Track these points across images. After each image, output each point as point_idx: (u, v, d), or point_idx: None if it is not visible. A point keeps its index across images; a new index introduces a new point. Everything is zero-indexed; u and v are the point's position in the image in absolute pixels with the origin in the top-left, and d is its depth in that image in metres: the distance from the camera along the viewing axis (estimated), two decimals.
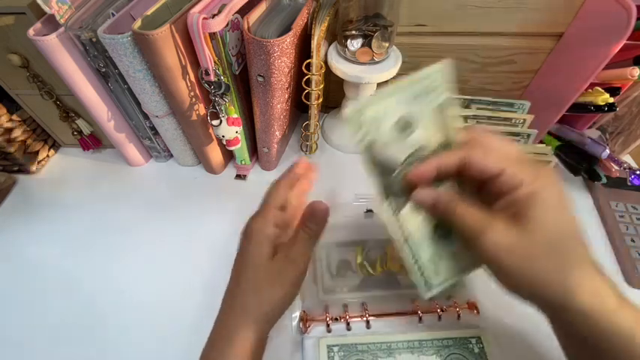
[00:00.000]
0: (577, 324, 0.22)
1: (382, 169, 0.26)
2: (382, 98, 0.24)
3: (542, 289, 0.22)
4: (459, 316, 0.35)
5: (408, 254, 0.27)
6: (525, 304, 0.25)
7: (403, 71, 0.50)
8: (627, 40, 0.36)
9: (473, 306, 0.36)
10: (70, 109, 0.47)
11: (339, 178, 0.49)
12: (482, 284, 0.38)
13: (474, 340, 0.34)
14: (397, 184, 0.26)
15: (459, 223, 0.24)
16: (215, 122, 0.39)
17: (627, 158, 0.50)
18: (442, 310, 0.35)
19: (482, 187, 0.24)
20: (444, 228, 0.26)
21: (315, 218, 0.29)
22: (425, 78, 0.24)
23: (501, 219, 0.23)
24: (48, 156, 0.53)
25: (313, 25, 0.38)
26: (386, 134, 0.25)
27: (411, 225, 0.26)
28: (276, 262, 0.27)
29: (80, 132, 0.49)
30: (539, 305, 0.24)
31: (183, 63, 0.35)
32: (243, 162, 0.48)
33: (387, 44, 0.41)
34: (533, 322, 0.36)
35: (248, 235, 0.29)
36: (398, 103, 0.24)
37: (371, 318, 0.35)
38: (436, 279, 0.27)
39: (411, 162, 0.25)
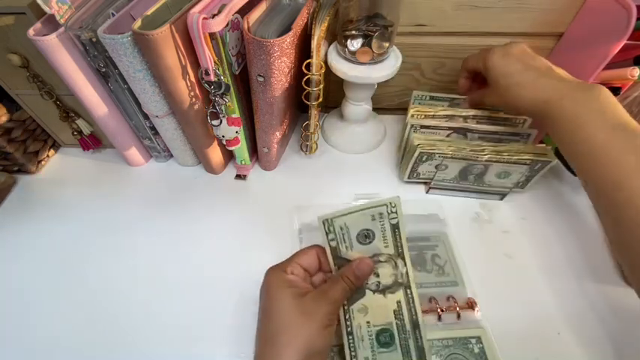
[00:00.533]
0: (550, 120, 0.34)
1: (342, 265, 0.31)
2: (346, 213, 0.30)
3: (518, 108, 0.37)
4: (458, 315, 0.35)
5: (346, 348, 0.30)
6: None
7: (404, 71, 0.50)
8: (627, 40, 0.36)
9: (473, 306, 0.36)
10: (70, 109, 0.47)
11: (339, 178, 0.49)
12: (482, 284, 0.38)
13: (474, 340, 0.34)
14: None
15: (487, 103, 0.43)
16: (215, 122, 0.39)
17: None
18: (442, 311, 0.35)
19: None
20: (387, 336, 0.30)
21: (360, 272, 0.29)
22: (381, 205, 0.30)
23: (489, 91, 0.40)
24: (48, 156, 0.53)
25: (313, 25, 0.38)
26: (350, 241, 0.31)
27: (356, 321, 0.31)
28: (308, 298, 0.28)
29: (80, 132, 0.49)
30: (535, 116, 0.37)
31: (183, 63, 0.35)
32: (243, 162, 0.48)
33: (387, 44, 0.41)
34: (533, 322, 0.36)
35: (267, 284, 0.29)
36: (359, 219, 0.30)
37: None
38: None
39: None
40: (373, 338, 0.30)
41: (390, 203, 0.30)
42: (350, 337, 0.30)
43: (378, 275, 0.31)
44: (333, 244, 0.31)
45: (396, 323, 0.31)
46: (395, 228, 0.30)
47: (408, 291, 0.31)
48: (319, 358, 0.27)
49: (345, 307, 0.31)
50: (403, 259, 0.31)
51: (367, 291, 0.31)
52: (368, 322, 0.31)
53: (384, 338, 0.30)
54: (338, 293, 0.28)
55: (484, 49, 0.40)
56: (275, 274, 0.29)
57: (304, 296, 0.28)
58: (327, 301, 0.27)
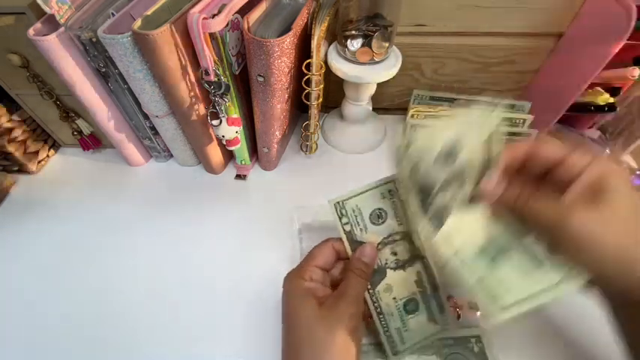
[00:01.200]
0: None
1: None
2: (357, 194, 0.30)
3: (629, 264, 0.22)
4: (458, 315, 0.35)
5: (378, 325, 0.31)
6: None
7: (404, 71, 0.50)
8: (627, 40, 0.36)
9: (472, 305, 0.36)
10: (70, 109, 0.47)
11: (339, 178, 0.49)
12: None
13: (473, 340, 0.34)
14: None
15: (532, 216, 0.24)
16: (215, 122, 0.39)
17: (627, 158, 0.50)
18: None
19: (541, 182, 0.25)
20: (413, 304, 0.31)
21: (367, 259, 0.29)
22: (389, 181, 0.29)
23: (578, 203, 0.23)
24: (48, 156, 0.53)
25: (313, 25, 0.38)
26: (363, 223, 0.31)
27: (384, 301, 0.31)
28: (328, 305, 0.27)
29: (80, 132, 0.49)
30: (618, 286, 0.24)
31: (183, 63, 0.35)
32: (243, 162, 0.48)
33: (387, 44, 0.41)
34: (533, 321, 0.36)
35: (287, 294, 0.28)
36: (370, 199, 0.30)
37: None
38: (401, 346, 0.31)
39: (385, 243, 0.31)
40: (401, 309, 0.31)
41: (396, 181, 0.29)
42: (381, 316, 0.31)
43: (395, 254, 0.31)
44: (347, 227, 0.30)
45: (419, 291, 0.31)
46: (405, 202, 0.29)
47: (425, 260, 0.31)
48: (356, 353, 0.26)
49: (370, 291, 0.31)
50: (417, 232, 0.29)
51: (387, 270, 0.31)
52: (394, 298, 0.31)
53: (410, 307, 0.31)
54: (355, 289, 0.28)
55: (575, 147, 0.24)
56: (293, 282, 0.28)
57: (325, 304, 0.27)
58: (348, 302, 0.27)
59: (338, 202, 0.30)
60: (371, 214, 0.31)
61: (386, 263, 0.31)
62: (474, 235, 0.26)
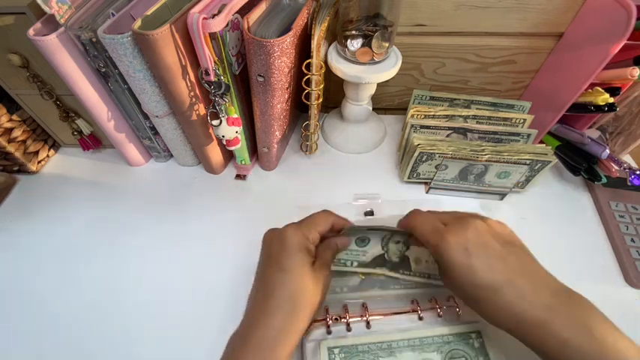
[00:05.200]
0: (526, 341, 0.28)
1: (379, 261, 0.37)
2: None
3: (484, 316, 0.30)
4: (458, 312, 0.35)
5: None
6: None
7: (404, 71, 0.50)
8: (627, 40, 0.36)
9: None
10: (70, 109, 0.47)
11: (338, 178, 0.49)
12: None
13: (474, 335, 0.34)
14: (395, 260, 0.37)
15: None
16: (215, 122, 0.39)
17: (627, 158, 0.50)
18: (441, 308, 0.35)
19: None
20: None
21: (342, 248, 0.35)
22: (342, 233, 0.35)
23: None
24: (48, 156, 0.53)
25: (313, 25, 0.38)
26: (357, 251, 0.36)
27: (423, 268, 0.37)
28: (317, 267, 0.31)
29: (80, 132, 0.49)
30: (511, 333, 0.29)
31: (183, 63, 0.35)
32: (243, 162, 0.48)
33: (387, 44, 0.41)
34: None
35: (288, 244, 0.31)
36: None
37: (371, 318, 0.35)
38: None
39: (386, 243, 0.37)
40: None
41: (350, 229, 0.35)
42: (432, 277, 0.36)
43: (398, 241, 0.36)
44: (355, 265, 0.36)
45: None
46: (369, 230, 0.35)
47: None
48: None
49: (410, 274, 0.37)
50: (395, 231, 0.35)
51: (406, 253, 0.36)
52: (427, 261, 0.36)
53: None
54: (330, 257, 0.33)
55: (428, 224, 0.31)
56: (298, 237, 0.31)
57: (314, 264, 0.31)
58: (327, 268, 0.32)
59: (336, 263, 0.36)
60: (356, 242, 0.36)
61: (399, 251, 0.37)
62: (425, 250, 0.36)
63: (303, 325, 0.29)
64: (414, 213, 0.34)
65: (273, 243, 0.32)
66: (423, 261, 0.36)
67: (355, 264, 0.36)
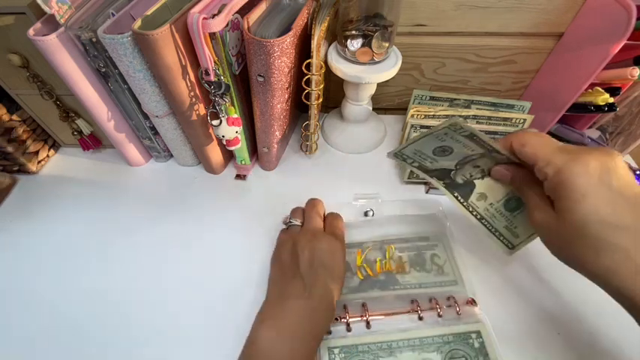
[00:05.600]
0: (622, 303, 0.24)
1: (440, 174, 0.35)
2: (412, 142, 0.33)
3: (579, 268, 0.26)
4: (458, 312, 0.35)
5: (486, 230, 0.35)
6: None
7: (404, 71, 0.50)
8: (627, 40, 0.36)
9: (472, 302, 0.36)
10: (70, 109, 0.47)
11: (338, 178, 0.49)
12: (481, 280, 0.38)
13: (474, 335, 0.34)
14: (459, 181, 0.35)
15: (523, 198, 0.31)
16: (215, 122, 0.39)
17: (627, 158, 0.50)
18: (441, 309, 0.35)
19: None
20: (513, 201, 0.33)
21: (338, 230, 0.39)
22: (443, 127, 0.30)
23: (546, 202, 0.27)
24: (48, 156, 0.53)
25: (313, 25, 0.38)
26: (431, 158, 0.34)
27: (481, 207, 0.35)
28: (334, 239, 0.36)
29: (80, 132, 0.49)
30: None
31: (183, 63, 0.35)
32: (243, 162, 0.48)
33: (387, 44, 0.41)
34: (532, 315, 0.36)
35: (334, 249, 0.35)
36: (427, 142, 0.32)
37: (371, 318, 0.35)
38: (516, 240, 0.34)
39: (463, 163, 0.34)
40: (502, 210, 0.34)
41: (451, 126, 0.29)
42: (484, 221, 0.35)
43: (478, 166, 0.33)
44: (416, 165, 0.35)
45: (512, 190, 0.33)
46: (472, 136, 0.29)
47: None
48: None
49: (465, 203, 0.35)
50: (496, 151, 0.30)
51: (475, 181, 0.34)
52: (491, 204, 0.34)
53: (510, 205, 0.34)
54: (342, 227, 0.40)
55: (551, 143, 0.26)
56: (338, 244, 0.36)
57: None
58: (342, 239, 0.38)
59: (396, 153, 0.33)
60: (434, 151, 0.33)
61: (471, 175, 0.34)
62: (498, 192, 0.34)
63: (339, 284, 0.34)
64: (527, 133, 0.28)
65: (332, 254, 0.35)
66: (486, 200, 0.34)
67: (416, 164, 0.35)
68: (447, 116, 0.45)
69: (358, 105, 0.48)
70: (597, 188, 0.23)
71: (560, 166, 0.24)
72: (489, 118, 0.45)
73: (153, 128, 0.46)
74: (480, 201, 0.35)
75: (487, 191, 0.34)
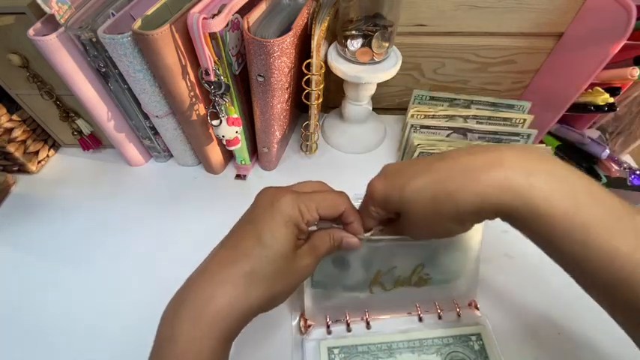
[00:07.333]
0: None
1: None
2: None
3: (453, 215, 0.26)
4: (459, 314, 0.35)
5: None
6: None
7: (404, 71, 0.50)
8: (627, 40, 0.36)
9: (473, 304, 0.36)
10: (70, 109, 0.47)
11: (338, 178, 0.49)
12: (482, 284, 0.38)
13: (474, 337, 0.34)
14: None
15: (397, 233, 0.31)
16: (215, 122, 0.39)
17: (627, 158, 0.50)
18: (441, 310, 0.35)
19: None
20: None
21: (346, 247, 0.29)
22: None
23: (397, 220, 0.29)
24: (48, 156, 0.53)
25: (313, 25, 0.38)
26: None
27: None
28: (299, 254, 0.26)
29: (80, 132, 0.49)
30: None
31: (183, 63, 0.35)
32: (243, 162, 0.48)
33: (387, 44, 0.41)
34: (533, 322, 0.36)
35: (277, 215, 0.25)
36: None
37: (371, 318, 0.35)
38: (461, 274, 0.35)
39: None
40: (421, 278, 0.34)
41: None
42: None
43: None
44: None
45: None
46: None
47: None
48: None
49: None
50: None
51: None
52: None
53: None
54: (324, 251, 0.28)
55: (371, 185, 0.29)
56: (292, 211, 0.25)
57: (297, 250, 0.26)
58: (315, 257, 0.27)
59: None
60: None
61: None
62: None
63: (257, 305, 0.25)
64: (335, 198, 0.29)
65: (262, 206, 0.27)
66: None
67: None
68: (446, 116, 0.45)
69: (358, 105, 0.48)
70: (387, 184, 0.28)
71: (384, 189, 0.28)
72: (489, 118, 0.45)
73: (153, 128, 0.46)
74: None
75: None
